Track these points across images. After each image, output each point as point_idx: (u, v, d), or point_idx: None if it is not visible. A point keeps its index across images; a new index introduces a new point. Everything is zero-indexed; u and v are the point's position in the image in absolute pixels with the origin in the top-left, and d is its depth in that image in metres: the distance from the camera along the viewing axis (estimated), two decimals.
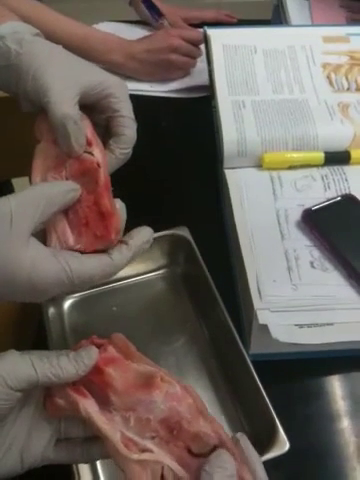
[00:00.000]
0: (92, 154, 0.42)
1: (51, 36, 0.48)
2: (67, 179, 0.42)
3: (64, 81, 0.44)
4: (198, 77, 0.87)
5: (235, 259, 0.60)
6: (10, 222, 0.37)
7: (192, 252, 0.59)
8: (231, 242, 0.62)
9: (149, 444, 0.37)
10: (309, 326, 0.51)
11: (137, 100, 0.85)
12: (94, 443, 0.40)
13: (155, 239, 0.43)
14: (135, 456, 0.36)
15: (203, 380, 0.53)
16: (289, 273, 0.55)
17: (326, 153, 0.66)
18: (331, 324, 0.51)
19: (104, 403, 0.38)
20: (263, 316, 0.51)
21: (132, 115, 0.46)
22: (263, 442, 0.45)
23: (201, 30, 0.76)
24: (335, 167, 0.66)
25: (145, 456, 0.36)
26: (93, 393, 0.38)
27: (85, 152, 0.42)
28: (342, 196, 0.62)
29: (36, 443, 0.38)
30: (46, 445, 0.38)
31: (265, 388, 0.49)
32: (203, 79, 0.83)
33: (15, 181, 1.03)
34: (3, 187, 0.98)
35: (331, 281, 0.55)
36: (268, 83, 0.72)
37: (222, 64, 0.73)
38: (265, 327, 0.50)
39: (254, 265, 0.56)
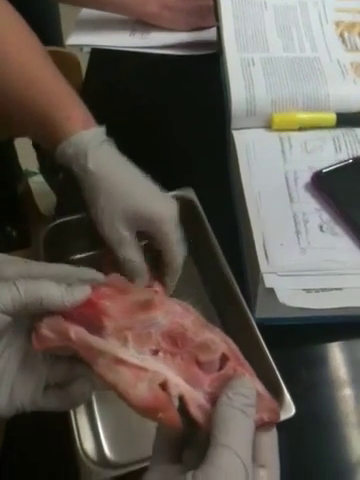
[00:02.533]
0: None
1: None
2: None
3: (120, 215, 0.49)
4: (206, 33, 0.84)
5: (242, 222, 0.59)
6: None
7: (198, 214, 0.58)
8: (238, 205, 0.61)
9: (150, 359, 0.34)
10: (317, 291, 0.50)
11: (143, 58, 0.84)
12: (83, 383, 0.38)
13: None
14: (131, 359, 0.34)
15: None
16: (297, 237, 0.54)
17: (338, 114, 0.63)
18: (340, 289, 0.50)
19: (96, 331, 0.35)
20: (270, 280, 0.50)
21: (180, 248, 0.50)
22: None
23: None
24: (347, 129, 0.64)
25: (143, 364, 0.34)
26: (84, 325, 0.36)
27: None
28: (354, 158, 0.60)
29: (26, 383, 0.37)
30: (35, 388, 0.37)
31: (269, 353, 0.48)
32: (211, 35, 0.80)
33: (18, 141, 1.01)
34: (4, 147, 0.97)
35: (341, 245, 0.53)
36: (279, 40, 0.69)
37: (231, 20, 0.70)
38: (271, 291, 0.49)
39: (261, 228, 0.54)
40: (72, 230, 0.57)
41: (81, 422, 0.46)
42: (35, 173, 1.41)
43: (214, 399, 0.33)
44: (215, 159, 0.68)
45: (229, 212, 0.62)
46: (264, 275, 0.51)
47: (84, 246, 0.59)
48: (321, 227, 0.55)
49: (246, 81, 0.65)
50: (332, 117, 0.64)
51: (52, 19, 1.10)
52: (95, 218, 0.50)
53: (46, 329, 0.35)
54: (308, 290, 0.50)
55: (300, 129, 0.64)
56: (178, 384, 0.33)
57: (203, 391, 0.33)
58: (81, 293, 0.36)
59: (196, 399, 0.33)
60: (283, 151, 0.62)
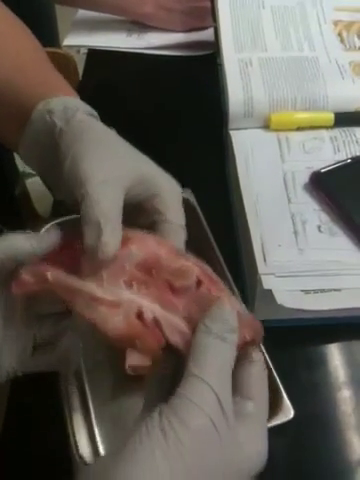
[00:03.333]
0: None
1: None
2: None
3: (108, 172, 0.37)
4: (203, 33, 0.84)
5: (240, 223, 0.59)
6: None
7: (195, 215, 0.57)
8: (236, 206, 0.61)
9: (125, 292, 0.35)
10: (316, 292, 0.50)
11: (140, 59, 0.84)
12: (71, 337, 0.38)
13: None
14: (105, 296, 0.34)
15: None
16: (295, 237, 0.54)
17: (336, 114, 0.63)
18: (338, 290, 0.50)
19: (76, 273, 0.35)
20: (268, 281, 0.50)
21: (181, 222, 0.40)
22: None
23: None
24: (345, 129, 0.63)
25: (117, 298, 0.34)
26: (66, 269, 0.36)
27: None
28: (352, 158, 0.60)
29: (12, 346, 0.36)
30: (22, 350, 0.37)
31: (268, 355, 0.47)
32: (208, 35, 0.80)
33: None
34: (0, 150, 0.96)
35: (339, 246, 0.53)
36: (276, 40, 0.69)
37: (228, 20, 0.71)
38: (269, 293, 0.49)
39: (259, 229, 0.54)
40: (68, 231, 0.57)
41: (77, 422, 0.45)
42: (32, 175, 1.41)
43: (193, 325, 0.33)
44: (213, 160, 0.67)
45: (227, 213, 0.62)
46: (262, 276, 0.50)
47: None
48: (319, 228, 0.55)
49: (244, 81, 0.65)
50: (330, 117, 0.63)
51: (48, 20, 1.10)
52: (73, 173, 0.38)
53: (26, 274, 0.36)
54: (306, 291, 0.50)
55: (298, 129, 0.63)
56: (154, 310, 0.34)
57: (180, 316, 0.34)
58: (50, 238, 0.35)
59: (174, 325, 0.34)
60: (281, 151, 0.61)
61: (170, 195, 0.41)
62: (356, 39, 0.71)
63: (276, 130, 0.63)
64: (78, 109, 0.42)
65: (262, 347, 0.48)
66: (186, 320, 0.33)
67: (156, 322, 0.34)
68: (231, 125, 0.64)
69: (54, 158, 0.40)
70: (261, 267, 0.51)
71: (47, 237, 0.36)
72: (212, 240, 0.55)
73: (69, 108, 0.41)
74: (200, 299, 0.34)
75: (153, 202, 0.40)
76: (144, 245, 0.36)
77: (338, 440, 0.48)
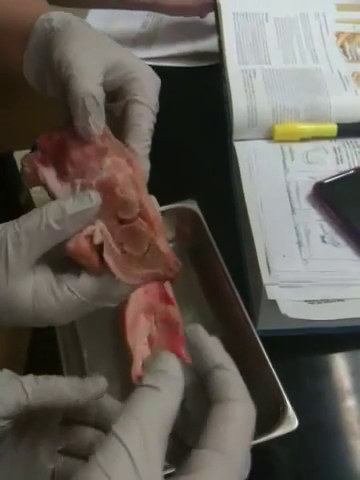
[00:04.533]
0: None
1: None
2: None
3: (89, 56, 0.40)
4: (207, 44, 0.84)
5: (244, 233, 0.59)
6: (5, 253, 0.35)
7: (200, 226, 0.58)
8: (240, 216, 0.61)
9: None
10: (319, 302, 0.50)
11: None
12: None
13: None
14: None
15: None
16: (299, 248, 0.54)
17: (339, 125, 0.64)
18: (342, 300, 0.50)
19: (62, 173, 0.40)
20: (272, 291, 0.50)
21: (153, 104, 0.42)
22: (271, 419, 0.45)
23: None
24: (348, 139, 0.64)
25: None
26: (56, 164, 0.40)
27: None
28: (355, 169, 0.60)
29: None
30: None
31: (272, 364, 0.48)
32: (212, 46, 0.80)
33: (17, 154, 1.02)
34: (5, 159, 0.97)
35: (342, 256, 0.53)
36: (280, 52, 0.70)
37: (232, 32, 0.71)
38: (273, 303, 0.49)
39: (263, 239, 0.54)
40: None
41: None
42: None
43: (123, 250, 0.37)
44: (217, 171, 0.68)
45: (231, 223, 0.62)
46: (266, 286, 0.50)
47: None
48: (323, 238, 0.55)
49: (247, 93, 0.65)
50: (333, 128, 0.64)
51: None
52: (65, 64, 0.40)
53: (26, 166, 0.40)
54: (310, 301, 0.50)
55: (301, 140, 0.64)
56: (102, 231, 0.37)
57: (115, 240, 0.38)
58: (96, 389, 0.35)
59: (111, 247, 0.37)
60: (285, 162, 0.62)
61: (147, 79, 0.42)
62: (358, 50, 0.71)
63: (280, 141, 0.64)
64: (74, 18, 0.44)
65: (266, 356, 0.48)
66: (119, 244, 0.38)
67: (100, 246, 0.37)
68: (235, 136, 0.65)
69: (48, 59, 0.42)
70: (265, 277, 0.51)
71: (94, 387, 0.36)
72: (217, 250, 0.56)
73: (66, 17, 0.44)
74: (132, 231, 0.38)
75: (130, 85, 0.42)
76: (115, 163, 0.39)
77: (342, 449, 0.48)
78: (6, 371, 0.34)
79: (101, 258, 0.37)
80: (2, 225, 0.36)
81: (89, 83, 0.39)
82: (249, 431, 0.30)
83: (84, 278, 0.37)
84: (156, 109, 0.43)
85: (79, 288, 0.36)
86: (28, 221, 0.35)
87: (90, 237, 0.37)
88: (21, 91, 0.52)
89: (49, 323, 0.38)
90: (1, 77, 0.49)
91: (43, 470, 0.37)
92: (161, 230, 0.38)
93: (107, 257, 0.37)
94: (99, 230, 0.37)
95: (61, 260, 0.37)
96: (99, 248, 0.37)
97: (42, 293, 0.36)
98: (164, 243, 0.38)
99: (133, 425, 0.26)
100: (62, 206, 0.36)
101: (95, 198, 0.37)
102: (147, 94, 0.42)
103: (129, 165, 0.39)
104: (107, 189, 0.38)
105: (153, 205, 0.39)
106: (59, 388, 0.34)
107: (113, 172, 0.39)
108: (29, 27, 0.45)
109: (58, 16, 0.44)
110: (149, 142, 0.42)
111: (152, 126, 0.42)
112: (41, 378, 0.34)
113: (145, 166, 0.41)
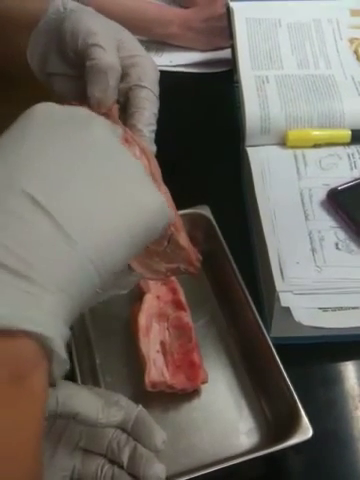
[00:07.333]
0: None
1: (101, 8, 0.46)
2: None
3: (109, 31, 0.41)
4: (220, 50, 0.84)
5: (257, 240, 0.59)
6: None
7: (213, 231, 0.58)
8: (253, 222, 0.61)
9: None
10: (334, 310, 0.50)
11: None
12: None
13: None
14: None
15: (222, 362, 0.52)
16: (313, 255, 0.54)
17: (353, 131, 0.63)
18: (356, 308, 0.50)
19: None
20: (285, 299, 0.50)
21: (156, 91, 0.43)
22: (285, 427, 0.44)
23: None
24: None
25: None
26: None
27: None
28: None
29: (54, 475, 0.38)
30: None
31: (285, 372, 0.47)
32: (225, 52, 0.80)
33: None
34: None
35: (357, 263, 0.53)
36: (293, 57, 0.70)
37: (245, 38, 0.71)
38: (287, 310, 0.49)
39: (276, 246, 0.54)
40: None
41: None
42: None
43: None
44: (230, 176, 0.68)
45: (244, 230, 0.62)
46: (280, 294, 0.50)
47: None
48: (337, 245, 0.55)
49: (260, 99, 0.65)
50: (347, 134, 0.63)
51: None
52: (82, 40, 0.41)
53: None
54: (324, 309, 0.50)
55: (315, 146, 0.64)
56: None
57: None
58: (116, 417, 0.37)
59: None
60: (298, 168, 0.62)
61: (149, 67, 0.43)
62: None
63: (293, 147, 0.64)
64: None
65: (280, 364, 0.48)
66: None
67: None
68: (248, 142, 0.65)
69: (59, 31, 0.42)
70: (279, 284, 0.51)
71: (114, 414, 0.37)
72: (230, 256, 0.55)
73: (81, 2, 0.45)
74: None
75: (134, 69, 0.42)
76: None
77: (357, 457, 0.47)
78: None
79: None
80: None
81: (114, 56, 0.40)
82: None
83: None
84: (157, 94, 0.44)
85: None
86: None
87: None
88: (22, 85, 0.53)
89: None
90: (4, 67, 0.49)
91: (63, 466, 0.38)
92: (180, 225, 0.38)
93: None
94: None
95: None
96: None
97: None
98: (184, 238, 0.38)
99: None
100: None
101: None
102: (150, 81, 0.43)
103: (142, 154, 0.38)
104: None
105: (171, 198, 0.39)
106: (87, 407, 0.36)
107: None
108: (38, 12, 0.45)
109: (72, 2, 0.45)
110: (155, 126, 0.42)
111: (157, 111, 0.43)
112: (74, 389, 0.36)
113: (152, 148, 0.41)
